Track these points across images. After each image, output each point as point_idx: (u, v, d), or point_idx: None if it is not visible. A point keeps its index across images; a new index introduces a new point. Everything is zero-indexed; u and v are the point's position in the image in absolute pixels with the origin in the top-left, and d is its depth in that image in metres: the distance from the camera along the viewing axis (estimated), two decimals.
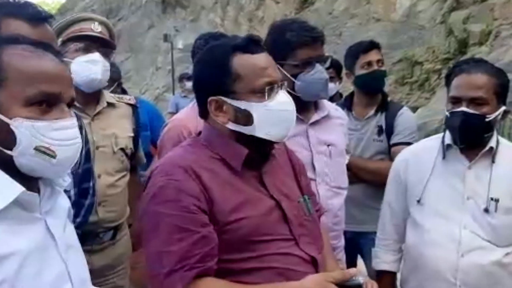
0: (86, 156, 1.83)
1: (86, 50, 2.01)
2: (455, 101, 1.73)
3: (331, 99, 2.96)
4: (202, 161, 1.33)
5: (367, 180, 2.54)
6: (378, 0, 10.40)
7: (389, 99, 2.77)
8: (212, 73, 1.37)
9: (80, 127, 1.80)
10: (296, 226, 1.38)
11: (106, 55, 2.08)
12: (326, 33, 2.08)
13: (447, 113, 1.77)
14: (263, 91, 1.32)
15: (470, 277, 1.69)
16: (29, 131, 0.97)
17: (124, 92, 3.28)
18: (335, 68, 3.46)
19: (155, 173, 1.34)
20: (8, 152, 0.97)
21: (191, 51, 2.29)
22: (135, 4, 18.00)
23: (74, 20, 2.05)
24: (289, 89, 1.92)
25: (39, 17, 1.45)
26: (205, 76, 1.40)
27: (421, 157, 1.88)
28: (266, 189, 1.38)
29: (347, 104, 2.70)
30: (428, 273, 1.76)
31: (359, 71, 2.61)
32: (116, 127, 2.14)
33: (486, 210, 1.71)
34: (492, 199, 1.71)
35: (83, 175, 1.80)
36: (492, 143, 1.76)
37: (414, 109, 5.51)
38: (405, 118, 2.61)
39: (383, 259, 1.95)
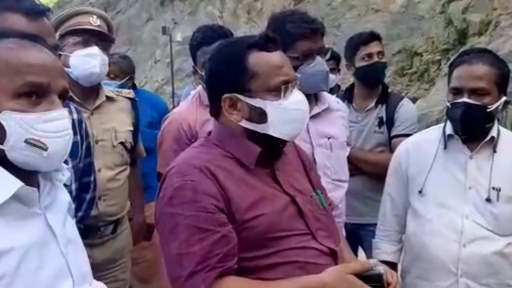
0: (87, 151, 1.83)
1: (85, 44, 2.00)
2: (456, 91, 1.73)
3: (330, 91, 2.95)
4: (216, 160, 1.33)
5: (368, 172, 2.54)
6: None
7: (389, 90, 2.76)
8: (228, 70, 1.35)
9: (80, 121, 1.80)
10: (312, 221, 1.38)
11: (105, 49, 2.07)
12: (325, 25, 2.07)
13: (448, 104, 1.76)
14: (279, 90, 1.32)
15: (471, 267, 1.69)
16: (18, 124, 0.95)
17: (134, 87, 3.20)
18: (335, 60, 3.45)
19: (170, 174, 1.32)
20: (0, 146, 0.96)
21: (189, 44, 2.28)
22: None
23: (72, 14, 2.04)
24: None
25: (36, 11, 1.45)
26: (219, 73, 1.38)
27: (422, 147, 1.88)
28: (280, 186, 1.37)
29: (347, 96, 2.70)
30: (430, 263, 1.76)
31: (360, 63, 2.60)
32: (116, 121, 2.14)
33: (488, 200, 1.71)
34: (493, 188, 1.71)
35: (84, 169, 1.80)
36: (493, 133, 1.75)
37: (413, 100, 5.50)
38: (406, 110, 2.60)
39: (384, 250, 1.95)
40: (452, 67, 1.79)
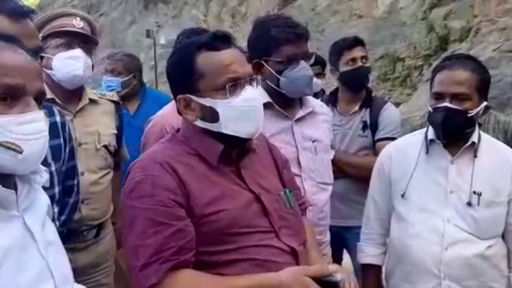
0: (70, 154, 1.80)
1: (68, 46, 1.97)
2: (438, 96, 1.76)
3: (315, 95, 2.97)
4: (179, 156, 1.35)
5: (352, 175, 2.55)
6: None
7: (373, 94, 2.79)
8: (179, 71, 1.39)
9: (64, 124, 1.78)
10: (276, 219, 1.39)
11: (89, 51, 2.04)
12: (309, 30, 2.08)
13: (430, 109, 1.79)
14: (227, 88, 1.33)
15: (453, 269, 1.72)
16: None
17: (142, 85, 3.16)
18: (321, 65, 3.47)
19: (133, 169, 1.35)
20: None
21: (173, 47, 2.27)
22: (116, 0, 17.82)
23: (56, 16, 2.02)
24: (274, 86, 1.94)
25: (20, 12, 1.43)
26: (173, 74, 1.42)
27: (405, 152, 1.90)
28: (245, 183, 1.39)
29: (332, 100, 2.72)
30: (413, 266, 1.78)
31: (344, 68, 2.62)
32: (99, 124, 2.12)
33: (469, 204, 1.73)
34: (474, 192, 1.74)
35: (67, 172, 1.78)
36: (474, 138, 1.78)
37: (396, 105, 5.56)
38: (389, 114, 2.63)
39: (368, 253, 1.97)
40: (434, 72, 1.82)
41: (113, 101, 2.23)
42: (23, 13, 1.44)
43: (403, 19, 9.19)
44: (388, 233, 1.93)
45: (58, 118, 1.74)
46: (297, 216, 1.49)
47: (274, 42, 1.89)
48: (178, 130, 1.47)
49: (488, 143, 1.83)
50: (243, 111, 1.34)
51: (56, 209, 1.59)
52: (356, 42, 2.66)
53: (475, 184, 1.74)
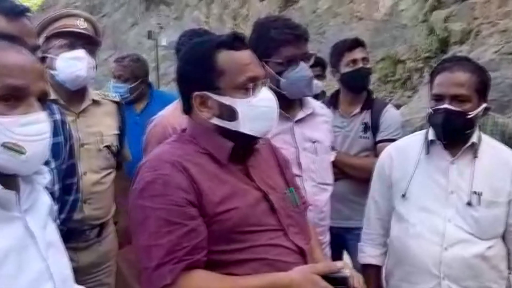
0: (70, 152, 1.81)
1: (71, 47, 1.98)
2: (438, 98, 1.77)
3: (316, 96, 2.98)
4: (189, 155, 1.35)
5: (353, 176, 2.57)
6: None
7: (374, 96, 2.81)
8: (197, 68, 1.39)
9: (63, 122, 1.79)
10: (284, 217, 1.40)
11: (92, 52, 2.06)
12: (310, 32, 2.10)
13: (430, 110, 1.80)
14: (247, 87, 1.35)
15: (453, 269, 1.72)
16: None
17: (149, 85, 3.16)
18: (321, 66, 3.49)
19: (142, 168, 1.35)
20: None
21: (175, 48, 2.28)
22: (118, 1, 17.83)
23: (59, 16, 2.03)
24: (274, 87, 1.95)
25: (16, 11, 1.44)
26: (190, 71, 1.42)
27: (405, 152, 1.91)
28: (253, 182, 1.40)
29: (333, 101, 2.73)
30: (413, 266, 1.79)
31: (344, 69, 2.64)
32: (101, 125, 2.13)
33: (469, 204, 1.74)
34: (475, 193, 1.75)
35: (67, 171, 1.78)
36: (474, 138, 1.80)
37: (396, 107, 5.56)
38: (390, 115, 2.64)
39: (368, 253, 1.98)
40: (433, 74, 1.83)
41: (115, 102, 2.24)
42: (20, 12, 1.45)
43: (403, 21, 9.18)
44: (388, 233, 1.94)
45: (58, 116, 1.75)
46: (302, 214, 1.50)
47: (274, 43, 1.90)
48: (184, 130, 1.47)
49: (488, 144, 1.84)
50: (261, 111, 1.37)
51: (55, 207, 1.60)
52: (357, 43, 2.67)
53: (475, 185, 1.75)
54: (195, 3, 15.26)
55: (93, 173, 2.06)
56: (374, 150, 2.60)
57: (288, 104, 2.01)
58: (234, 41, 1.39)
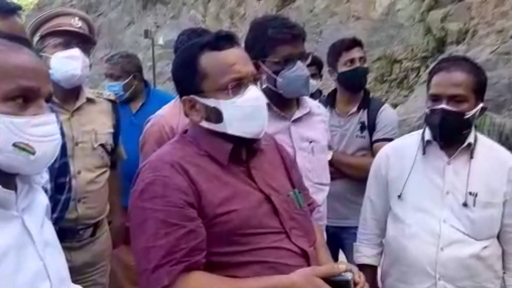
0: (62, 151, 1.80)
1: (66, 46, 1.98)
2: (435, 98, 1.76)
3: (312, 96, 2.97)
4: (189, 157, 1.34)
5: (350, 176, 2.56)
6: None
7: (371, 95, 2.80)
8: (183, 73, 1.39)
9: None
10: (286, 219, 1.38)
11: (86, 50, 2.05)
12: (307, 31, 2.09)
13: (427, 110, 1.80)
14: (231, 88, 1.32)
15: (449, 270, 1.72)
16: (7, 127, 0.94)
17: (145, 84, 3.14)
18: (317, 66, 3.48)
19: (143, 170, 1.34)
20: None
21: (173, 47, 2.27)
22: (114, 0, 17.80)
23: (53, 15, 2.02)
24: (271, 86, 1.94)
25: (7, 9, 1.43)
26: (179, 76, 1.42)
27: (401, 152, 1.91)
28: (255, 183, 1.38)
29: (330, 101, 2.73)
30: (409, 266, 1.79)
31: (342, 68, 2.63)
32: (96, 123, 2.12)
33: (465, 205, 1.74)
34: (470, 193, 1.74)
35: (59, 169, 1.77)
36: (471, 139, 1.79)
37: (393, 107, 5.58)
38: (387, 115, 2.64)
39: (364, 253, 1.97)
40: (431, 74, 1.83)
41: (110, 100, 2.23)
42: (11, 10, 1.45)
43: (400, 21, 9.20)
44: (384, 233, 1.93)
45: None
46: (306, 216, 1.48)
47: (271, 43, 1.90)
48: (186, 131, 1.46)
49: (484, 145, 1.84)
50: (247, 111, 1.33)
51: (50, 208, 1.58)
52: (354, 43, 2.67)
53: (471, 185, 1.75)
54: (192, 2, 15.25)
55: (88, 171, 2.06)
56: (370, 149, 2.60)
57: (285, 103, 2.01)
58: (218, 41, 1.36)
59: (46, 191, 1.58)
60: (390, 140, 2.35)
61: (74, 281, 1.20)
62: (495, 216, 1.76)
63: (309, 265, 1.36)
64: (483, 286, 1.74)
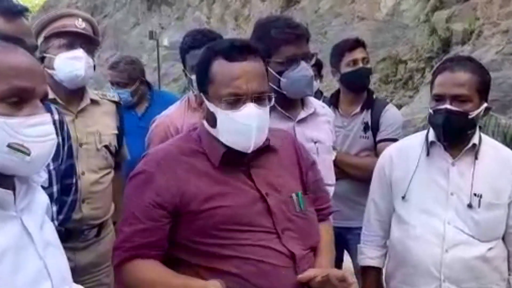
0: (68, 152, 1.81)
1: (70, 46, 1.98)
2: (439, 98, 1.75)
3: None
4: (182, 154, 1.42)
5: (354, 176, 2.56)
6: None
7: (374, 96, 2.80)
8: (199, 70, 1.47)
9: (62, 122, 1.79)
10: (280, 220, 1.39)
11: (90, 51, 2.05)
12: (311, 32, 2.09)
13: (430, 111, 1.79)
14: (229, 101, 1.37)
15: (454, 271, 1.71)
16: (2, 128, 0.94)
17: (149, 87, 3.16)
18: (317, 66, 3.48)
19: (142, 159, 1.47)
20: None
21: (179, 48, 2.28)
22: (120, 1, 17.85)
23: (58, 16, 2.03)
24: (275, 87, 1.94)
25: (14, 11, 1.44)
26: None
27: (405, 153, 1.90)
28: (253, 182, 1.41)
29: (333, 101, 2.72)
30: (413, 268, 1.78)
31: (345, 69, 2.63)
32: (100, 124, 2.13)
33: (470, 206, 1.73)
34: (475, 194, 1.73)
35: (66, 171, 1.78)
36: (475, 140, 1.78)
37: (398, 107, 5.56)
38: (390, 115, 2.63)
39: (368, 255, 1.96)
40: (434, 74, 1.82)
41: (114, 102, 2.24)
42: (18, 12, 1.45)
43: (405, 21, 9.16)
44: (388, 235, 1.92)
45: (56, 117, 1.74)
46: (307, 219, 1.48)
47: (274, 43, 1.89)
48: (195, 128, 1.51)
49: (489, 145, 1.83)
50: (237, 126, 1.37)
51: (54, 208, 1.59)
52: (357, 43, 2.66)
53: (476, 186, 1.74)
54: (197, 3, 15.27)
55: (92, 172, 2.06)
56: (374, 150, 2.59)
57: (289, 104, 2.00)
58: (231, 51, 1.39)
59: (51, 194, 1.60)
60: (394, 140, 2.34)
61: (79, 281, 1.21)
62: (500, 218, 1.74)
63: (295, 267, 1.38)
64: None
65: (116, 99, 2.27)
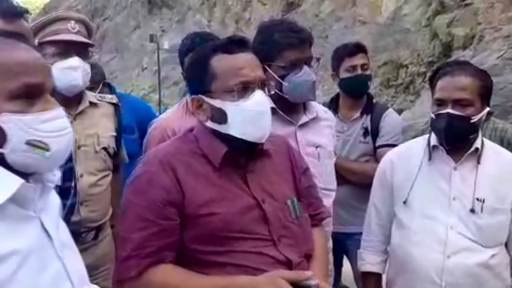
0: (68, 155, 1.80)
1: (64, 55, 1.95)
2: (440, 103, 1.74)
3: None
4: (181, 155, 1.40)
5: (353, 181, 2.54)
6: (364, 3, 10.50)
7: (374, 101, 2.79)
8: (194, 73, 1.45)
9: None
10: (277, 227, 1.38)
11: (85, 55, 2.03)
12: (313, 36, 2.08)
13: (432, 115, 1.78)
14: (238, 91, 1.36)
15: (455, 278, 1.69)
16: (17, 126, 0.93)
17: (111, 89, 3.17)
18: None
19: (139, 162, 1.43)
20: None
21: (178, 51, 2.28)
22: (120, 4, 17.91)
23: (50, 20, 1.99)
24: (277, 91, 1.93)
25: (14, 13, 1.43)
26: (190, 75, 1.49)
27: (407, 158, 1.88)
28: (249, 188, 1.40)
29: (333, 105, 2.71)
30: (414, 274, 1.76)
31: (344, 74, 2.62)
32: (98, 127, 2.11)
33: (472, 211, 1.72)
34: (478, 199, 1.72)
35: (65, 174, 1.77)
36: (477, 144, 1.77)
37: (399, 112, 5.57)
38: (390, 120, 2.62)
39: (368, 261, 1.95)
40: (435, 79, 1.81)
41: (112, 104, 2.23)
42: (18, 14, 1.45)
43: (406, 26, 9.19)
44: (389, 240, 1.91)
45: None
46: (302, 226, 1.47)
47: (277, 47, 1.88)
48: (192, 129, 1.50)
49: (491, 149, 1.81)
50: (250, 115, 1.37)
51: (61, 209, 1.58)
52: (358, 49, 2.65)
53: (479, 191, 1.72)
54: (197, 7, 15.32)
55: (90, 175, 2.05)
56: (374, 155, 2.58)
57: (291, 108, 1.99)
58: (230, 45, 1.41)
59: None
60: (393, 145, 2.33)
61: None
62: (503, 223, 1.73)
63: None
64: None
65: (114, 101, 2.25)
